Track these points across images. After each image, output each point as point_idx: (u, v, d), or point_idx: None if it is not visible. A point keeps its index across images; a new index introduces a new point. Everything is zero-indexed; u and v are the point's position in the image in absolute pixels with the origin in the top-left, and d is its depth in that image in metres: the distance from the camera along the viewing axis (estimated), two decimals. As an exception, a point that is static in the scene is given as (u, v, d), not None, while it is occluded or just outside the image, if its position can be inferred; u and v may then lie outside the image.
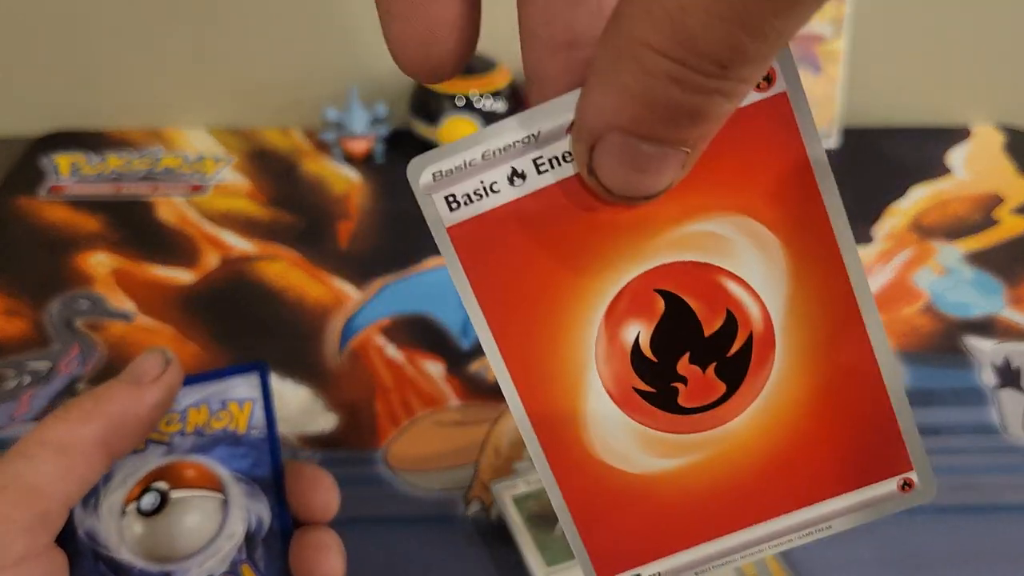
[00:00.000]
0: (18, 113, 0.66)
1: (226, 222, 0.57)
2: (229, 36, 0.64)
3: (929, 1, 0.64)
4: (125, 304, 0.50)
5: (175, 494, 0.24)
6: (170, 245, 0.55)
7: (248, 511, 0.24)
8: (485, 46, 0.72)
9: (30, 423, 0.42)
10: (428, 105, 0.60)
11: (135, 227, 0.56)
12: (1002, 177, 0.62)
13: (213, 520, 0.24)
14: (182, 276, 0.52)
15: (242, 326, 0.48)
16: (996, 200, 0.60)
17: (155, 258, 0.53)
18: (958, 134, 0.67)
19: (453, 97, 0.59)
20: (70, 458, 0.23)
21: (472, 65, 0.60)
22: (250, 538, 0.23)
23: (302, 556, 0.25)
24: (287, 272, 0.52)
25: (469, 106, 0.59)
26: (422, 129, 0.61)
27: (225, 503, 0.24)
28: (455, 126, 0.59)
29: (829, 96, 0.64)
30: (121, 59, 0.65)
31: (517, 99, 0.61)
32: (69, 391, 0.44)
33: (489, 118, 0.59)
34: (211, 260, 0.53)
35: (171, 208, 0.58)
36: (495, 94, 0.60)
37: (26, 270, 0.52)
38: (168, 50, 0.64)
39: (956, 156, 0.64)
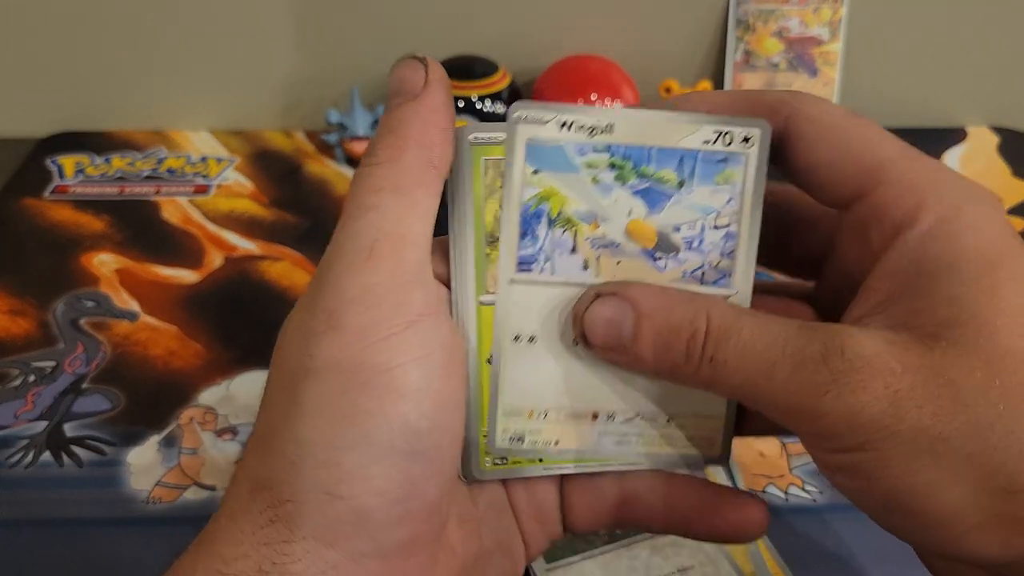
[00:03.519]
0: (23, 115, 0.67)
1: (229, 223, 0.57)
2: (232, 38, 0.64)
3: (924, 4, 0.64)
4: (130, 304, 0.50)
5: None
6: (174, 245, 0.55)
7: None
8: (486, 49, 0.72)
9: (35, 421, 0.43)
10: (429, 107, 0.60)
11: (139, 227, 0.56)
12: (997, 178, 0.62)
13: None
14: (186, 276, 0.52)
15: (245, 325, 0.49)
16: (991, 201, 0.60)
17: (159, 258, 0.54)
18: (953, 136, 0.67)
19: (454, 100, 0.59)
20: (409, 194, 0.21)
21: (472, 68, 0.61)
22: None
23: None
24: (290, 272, 0.53)
25: (470, 108, 0.59)
26: (423, 131, 0.61)
27: None
28: (456, 128, 0.59)
29: (826, 98, 0.65)
30: (125, 61, 0.65)
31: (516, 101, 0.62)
32: (74, 390, 0.44)
33: (489, 120, 0.60)
34: (215, 260, 0.54)
35: (175, 208, 0.58)
36: (495, 96, 0.60)
37: (31, 270, 0.53)
38: (172, 52, 0.65)
39: (951, 157, 0.65)
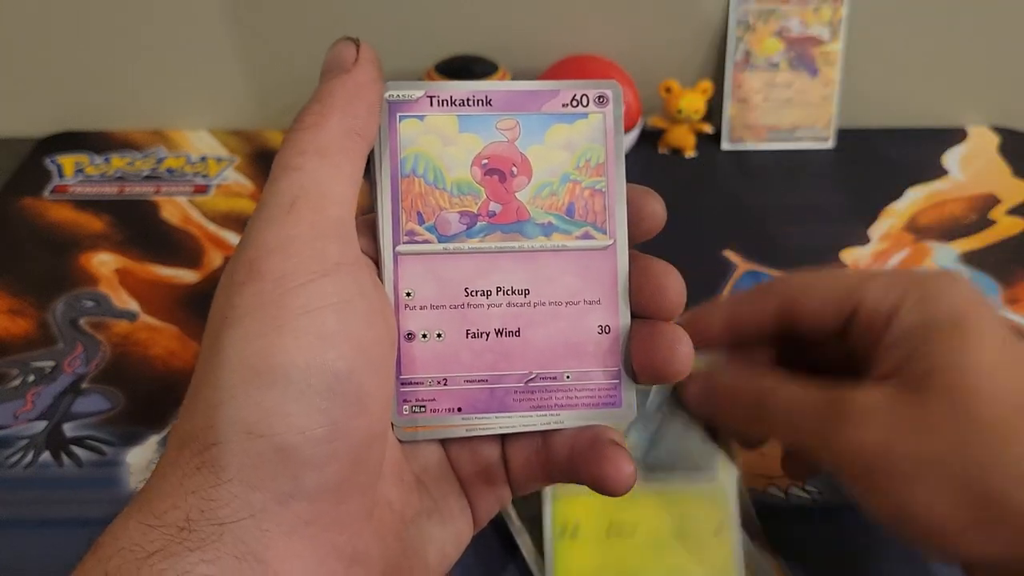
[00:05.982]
0: (23, 114, 0.67)
1: (229, 222, 0.57)
2: (232, 38, 0.64)
3: (925, 4, 0.64)
4: (129, 303, 0.50)
5: None
6: (174, 245, 0.55)
7: None
8: (486, 49, 0.72)
9: (35, 422, 0.43)
10: (429, 107, 0.60)
11: (139, 227, 0.56)
12: (997, 178, 0.62)
13: None
14: (186, 276, 0.52)
15: (245, 325, 0.49)
16: (992, 201, 0.60)
17: (159, 258, 0.54)
18: (954, 136, 0.67)
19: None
20: (332, 157, 0.21)
21: (472, 68, 0.61)
22: None
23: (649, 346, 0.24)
24: (289, 272, 0.53)
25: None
26: (423, 130, 0.61)
27: None
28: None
29: (826, 98, 0.65)
30: (125, 61, 0.65)
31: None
32: (73, 390, 0.44)
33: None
34: (214, 260, 0.54)
35: (175, 208, 0.58)
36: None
37: (31, 270, 0.53)
38: (172, 52, 0.65)
39: (952, 157, 0.65)
